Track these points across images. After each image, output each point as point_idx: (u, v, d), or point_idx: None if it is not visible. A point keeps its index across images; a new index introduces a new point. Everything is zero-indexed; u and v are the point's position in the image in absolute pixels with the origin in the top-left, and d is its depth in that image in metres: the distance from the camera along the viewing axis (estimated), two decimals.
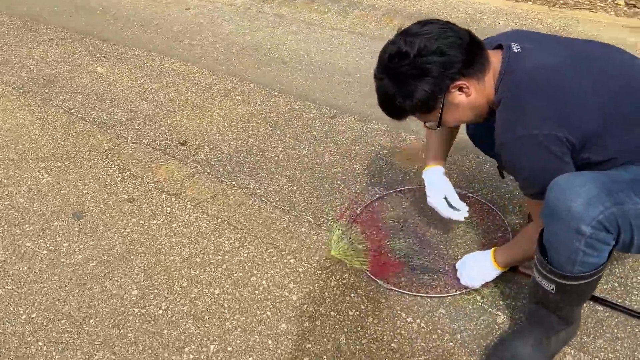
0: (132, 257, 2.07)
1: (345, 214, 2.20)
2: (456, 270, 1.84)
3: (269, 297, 1.86)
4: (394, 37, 1.45)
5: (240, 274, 1.96)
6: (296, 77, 3.36)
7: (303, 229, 2.15)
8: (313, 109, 2.97)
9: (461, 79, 1.41)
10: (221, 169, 2.54)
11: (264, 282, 1.92)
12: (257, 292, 1.88)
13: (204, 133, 2.84)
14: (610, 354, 1.56)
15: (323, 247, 2.05)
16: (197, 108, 3.09)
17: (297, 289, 1.88)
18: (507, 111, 1.41)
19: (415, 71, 1.39)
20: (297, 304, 1.82)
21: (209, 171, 2.54)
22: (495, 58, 1.46)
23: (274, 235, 2.13)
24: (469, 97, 1.45)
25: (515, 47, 1.47)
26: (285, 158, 2.59)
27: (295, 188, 2.38)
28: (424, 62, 1.38)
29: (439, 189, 1.84)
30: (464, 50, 1.39)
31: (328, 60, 3.53)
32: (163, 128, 2.91)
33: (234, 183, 2.44)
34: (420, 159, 2.46)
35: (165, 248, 2.10)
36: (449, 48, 1.38)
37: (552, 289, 1.37)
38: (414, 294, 1.82)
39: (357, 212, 2.20)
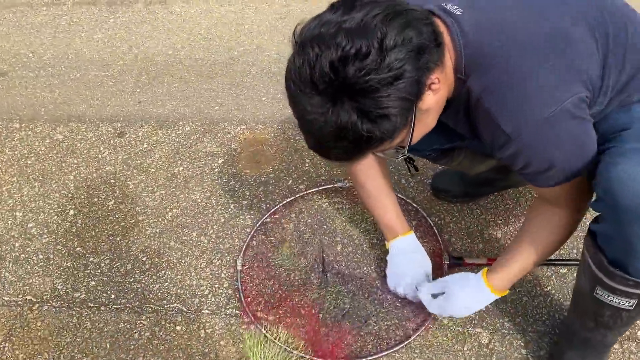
0: None
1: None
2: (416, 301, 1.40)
3: None
4: (303, 41, 0.89)
5: None
6: (33, 90, 2.34)
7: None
8: (87, 131, 2.09)
9: (434, 71, 0.92)
10: None
11: None
12: None
13: None
14: None
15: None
16: None
17: None
18: (506, 97, 0.96)
19: (386, 75, 0.85)
20: None
21: None
22: (440, 29, 0.97)
23: None
24: (437, 95, 0.95)
25: (452, 7, 1.01)
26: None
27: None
28: (395, 58, 0.85)
29: (421, 272, 1.39)
30: (426, 28, 0.88)
31: (65, 53, 2.55)
32: None
33: None
34: (274, 156, 1.89)
35: None
36: (413, 29, 0.87)
37: (632, 305, 1.02)
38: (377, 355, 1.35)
39: (238, 266, 1.56)
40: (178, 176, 1.86)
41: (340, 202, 1.72)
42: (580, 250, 1.51)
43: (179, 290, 1.54)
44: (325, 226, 1.66)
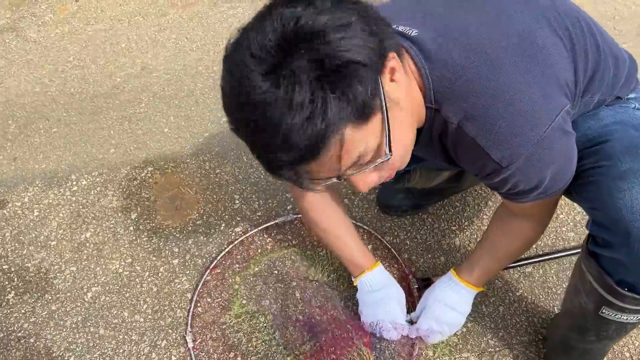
0: None
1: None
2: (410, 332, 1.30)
3: None
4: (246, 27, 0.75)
5: None
6: None
7: None
8: None
9: (390, 51, 0.78)
10: None
11: None
12: None
13: None
14: None
15: None
16: None
17: None
18: (491, 122, 0.85)
19: (337, 20, 0.71)
20: None
21: None
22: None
23: None
24: (399, 85, 0.81)
25: (404, 28, 0.89)
26: None
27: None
28: (350, 34, 0.71)
29: (397, 307, 1.29)
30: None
31: None
32: None
33: None
34: (196, 198, 1.65)
35: None
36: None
37: (638, 319, 0.98)
38: None
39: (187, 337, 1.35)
40: (87, 245, 1.57)
41: (285, 239, 1.55)
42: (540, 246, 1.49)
43: None
44: (276, 271, 1.48)
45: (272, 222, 1.58)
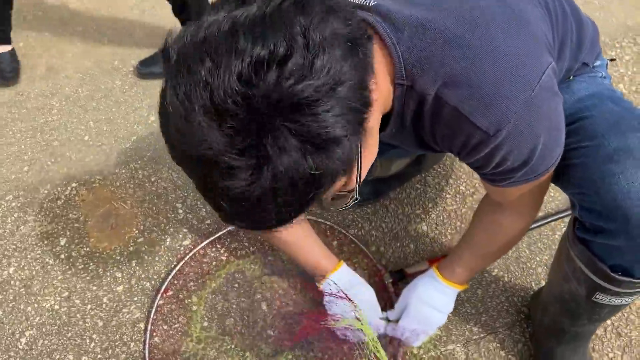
0: None
1: None
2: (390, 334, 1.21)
3: None
4: (183, 57, 0.59)
5: None
6: None
7: None
8: None
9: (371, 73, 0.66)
10: None
11: None
12: None
13: None
14: None
15: None
16: None
17: None
18: (475, 86, 0.74)
19: (324, 80, 0.57)
20: None
21: None
22: None
23: None
24: (376, 104, 0.70)
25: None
26: None
27: None
28: (329, 57, 0.58)
29: (366, 306, 1.18)
30: (352, 15, 0.66)
31: None
32: None
33: None
34: (133, 213, 1.46)
35: None
36: (337, 16, 0.62)
37: (632, 300, 0.93)
38: None
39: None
40: (12, 282, 1.36)
41: (241, 246, 1.41)
42: None
43: None
44: (236, 285, 1.34)
45: (224, 231, 1.43)
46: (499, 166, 0.83)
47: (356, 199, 0.76)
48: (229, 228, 1.43)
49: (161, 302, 1.32)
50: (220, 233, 1.42)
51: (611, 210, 0.80)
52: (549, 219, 1.40)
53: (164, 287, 1.33)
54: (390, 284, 1.31)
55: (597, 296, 0.93)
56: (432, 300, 1.13)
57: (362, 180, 0.74)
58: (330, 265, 1.19)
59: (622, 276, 0.86)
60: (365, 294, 1.19)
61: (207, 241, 1.41)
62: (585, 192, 0.84)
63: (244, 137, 0.55)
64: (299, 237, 1.18)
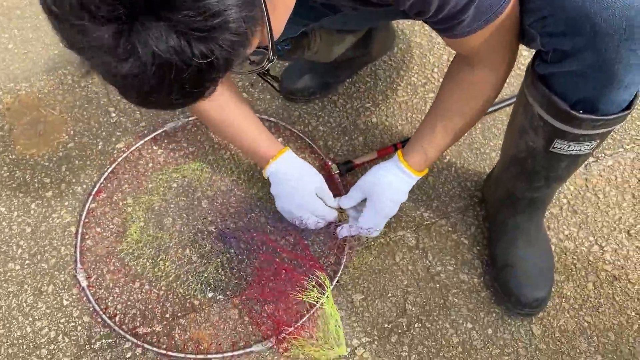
0: None
1: None
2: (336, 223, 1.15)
3: None
4: None
5: None
6: None
7: None
8: None
9: None
10: None
11: None
12: None
13: None
14: None
15: None
16: None
17: None
18: None
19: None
20: None
21: None
22: None
23: None
24: None
25: None
26: None
27: None
28: None
29: (312, 190, 1.11)
30: None
31: None
32: None
33: None
34: (62, 119, 1.36)
35: None
36: None
37: (592, 147, 0.87)
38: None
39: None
40: None
41: (179, 147, 1.32)
42: None
43: (10, 350, 1.06)
44: (175, 184, 1.26)
45: (160, 131, 1.33)
46: (442, 9, 0.75)
47: (271, 60, 0.69)
48: (166, 128, 1.33)
49: (93, 205, 1.23)
50: (155, 133, 1.33)
51: (576, 21, 0.71)
52: (503, 104, 1.33)
53: (95, 189, 1.24)
54: (338, 175, 1.24)
55: (556, 145, 0.87)
56: (396, 193, 1.06)
57: (276, 37, 0.68)
58: (273, 150, 1.11)
59: (583, 114, 0.79)
60: (315, 181, 1.11)
61: (142, 142, 1.31)
62: (546, 14, 0.75)
63: (116, 33, 0.50)
64: (236, 118, 1.09)
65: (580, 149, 0.86)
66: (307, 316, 1.07)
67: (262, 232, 1.18)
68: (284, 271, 1.11)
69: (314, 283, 1.08)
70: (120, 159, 1.29)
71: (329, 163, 1.25)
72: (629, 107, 0.81)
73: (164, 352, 1.04)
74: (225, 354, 1.04)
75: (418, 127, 1.05)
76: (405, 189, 1.06)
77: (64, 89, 1.43)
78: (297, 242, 1.17)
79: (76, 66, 1.47)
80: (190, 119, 1.35)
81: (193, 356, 1.03)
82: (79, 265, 1.14)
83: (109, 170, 1.27)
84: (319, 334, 1.05)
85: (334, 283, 1.12)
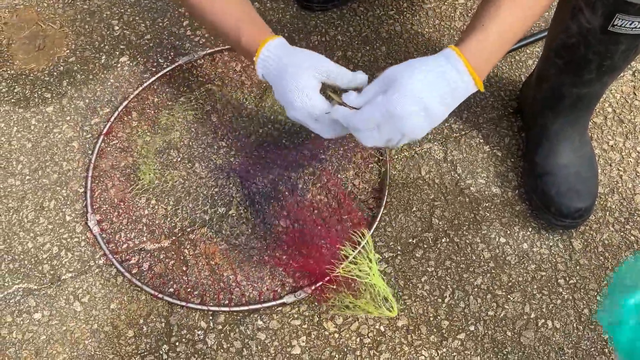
0: None
1: None
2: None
3: None
4: None
5: None
6: None
7: None
8: None
9: None
10: None
11: None
12: None
13: None
14: None
15: None
16: None
17: None
18: None
19: None
20: None
21: None
22: None
23: None
24: None
25: None
26: None
27: None
28: None
29: (311, 79, 0.78)
30: None
31: None
32: None
33: None
34: (63, 32, 1.27)
35: None
36: None
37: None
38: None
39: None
40: None
41: (203, 75, 1.22)
42: None
43: (11, 265, 1.00)
44: (182, 98, 1.17)
45: (178, 64, 1.21)
46: None
47: None
48: (182, 61, 1.21)
49: (96, 120, 1.15)
50: (171, 68, 1.23)
51: None
52: None
53: (100, 107, 1.16)
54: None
55: (616, 22, 0.75)
56: (434, 87, 0.70)
57: None
58: (262, 34, 0.83)
59: None
60: (322, 62, 0.79)
61: (154, 78, 1.20)
62: None
63: None
64: (233, 6, 0.87)
65: (637, 26, 0.74)
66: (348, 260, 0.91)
67: (277, 148, 1.08)
68: (317, 227, 0.97)
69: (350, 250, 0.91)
70: (132, 96, 1.20)
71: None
72: None
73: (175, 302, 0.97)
74: (252, 306, 0.94)
75: (472, 20, 0.76)
76: (447, 88, 0.70)
77: (65, 2, 1.34)
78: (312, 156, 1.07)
79: None
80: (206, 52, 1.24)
81: (216, 308, 0.94)
82: (89, 174, 1.07)
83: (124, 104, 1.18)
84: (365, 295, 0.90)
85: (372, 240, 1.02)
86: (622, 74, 1.14)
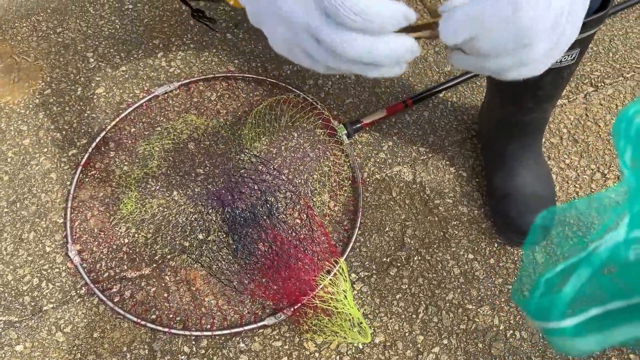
0: None
1: None
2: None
3: None
4: None
5: None
6: None
7: None
8: None
9: None
10: None
11: None
12: None
13: None
14: None
15: None
16: None
17: None
18: None
19: None
20: None
21: None
22: None
23: None
24: None
25: None
26: None
27: None
28: None
29: None
30: None
31: None
32: None
33: None
34: (37, 65, 1.29)
35: None
36: None
37: (573, 58, 0.82)
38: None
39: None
40: None
41: (179, 105, 1.26)
42: None
43: None
44: (158, 127, 1.20)
45: (154, 94, 1.25)
46: None
47: None
48: (156, 93, 1.27)
49: (74, 151, 1.17)
50: (155, 92, 1.26)
51: None
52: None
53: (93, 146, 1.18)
54: (346, 137, 1.15)
55: None
56: None
57: None
58: None
59: None
60: None
61: (126, 113, 1.25)
62: None
63: None
64: None
65: (561, 60, 0.81)
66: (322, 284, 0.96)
67: (254, 174, 1.13)
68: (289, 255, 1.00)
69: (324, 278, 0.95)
70: (113, 123, 1.23)
71: (336, 124, 1.16)
72: (602, 7, 0.76)
73: (166, 329, 0.99)
74: (234, 330, 0.97)
75: None
76: None
77: (38, 35, 1.36)
78: (300, 188, 1.12)
79: (50, 12, 1.39)
80: (178, 84, 1.29)
81: (199, 333, 0.96)
82: (67, 215, 1.09)
83: (111, 125, 1.21)
84: (338, 322, 0.94)
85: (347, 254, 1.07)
86: (574, 97, 1.22)
